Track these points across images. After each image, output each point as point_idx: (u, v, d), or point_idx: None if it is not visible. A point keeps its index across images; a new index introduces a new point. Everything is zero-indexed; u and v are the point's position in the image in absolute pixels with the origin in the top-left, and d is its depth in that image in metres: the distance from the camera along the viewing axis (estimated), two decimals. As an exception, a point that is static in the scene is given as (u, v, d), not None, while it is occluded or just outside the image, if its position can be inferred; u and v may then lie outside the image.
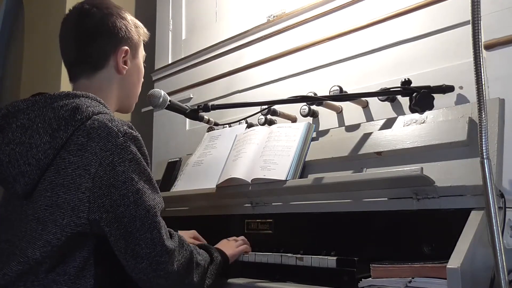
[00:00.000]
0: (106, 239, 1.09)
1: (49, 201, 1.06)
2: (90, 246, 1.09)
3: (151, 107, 1.83)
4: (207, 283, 1.23)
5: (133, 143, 1.12)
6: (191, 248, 1.19)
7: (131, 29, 1.32)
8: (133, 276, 1.10)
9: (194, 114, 1.56)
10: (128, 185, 1.08)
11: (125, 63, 1.30)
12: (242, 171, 1.53)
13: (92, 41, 1.27)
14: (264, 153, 1.53)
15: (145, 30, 1.40)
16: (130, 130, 1.12)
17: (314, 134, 1.57)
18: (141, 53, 1.38)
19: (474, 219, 1.05)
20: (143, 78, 1.42)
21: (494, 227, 0.91)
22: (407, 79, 1.39)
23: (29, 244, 1.04)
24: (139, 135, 1.15)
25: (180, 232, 1.49)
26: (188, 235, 1.50)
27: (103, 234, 1.09)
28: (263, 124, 1.75)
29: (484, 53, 1.32)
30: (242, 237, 1.47)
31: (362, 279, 1.10)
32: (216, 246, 1.38)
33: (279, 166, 1.46)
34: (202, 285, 1.21)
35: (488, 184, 0.93)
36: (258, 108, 1.67)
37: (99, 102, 1.21)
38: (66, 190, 1.06)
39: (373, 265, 1.10)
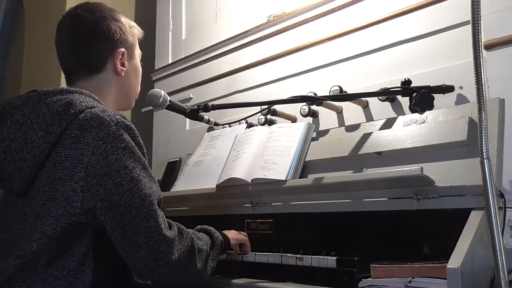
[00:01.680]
0: (104, 233, 1.09)
1: (47, 195, 1.06)
2: (89, 240, 1.09)
3: (151, 107, 1.83)
4: (212, 265, 1.24)
5: (126, 131, 1.12)
6: (191, 235, 1.19)
7: (125, 31, 1.33)
8: (133, 267, 1.09)
9: (194, 114, 1.56)
10: (122, 173, 1.08)
11: (122, 64, 1.32)
12: (242, 171, 1.53)
13: (88, 46, 1.28)
14: (264, 153, 1.53)
15: (139, 29, 1.40)
16: (123, 119, 1.13)
17: (314, 134, 1.57)
18: (137, 52, 1.39)
19: (474, 219, 1.05)
20: (143, 77, 1.42)
21: (494, 227, 0.91)
22: (407, 79, 1.39)
23: (26, 238, 1.05)
24: (132, 124, 1.15)
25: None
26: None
27: (100, 225, 1.09)
28: (263, 124, 1.75)
29: (484, 53, 1.32)
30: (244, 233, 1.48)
31: (362, 279, 1.10)
32: None
33: (279, 166, 1.46)
34: (205, 269, 1.22)
35: (488, 184, 0.93)
36: (258, 108, 1.67)
37: (93, 99, 1.21)
38: (63, 183, 1.06)
39: (373, 265, 1.10)
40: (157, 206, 1.11)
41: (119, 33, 1.30)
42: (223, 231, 1.41)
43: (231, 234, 1.41)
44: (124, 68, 1.32)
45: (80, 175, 1.06)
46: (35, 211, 1.07)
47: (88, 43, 1.28)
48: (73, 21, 1.29)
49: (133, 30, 1.36)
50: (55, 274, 1.05)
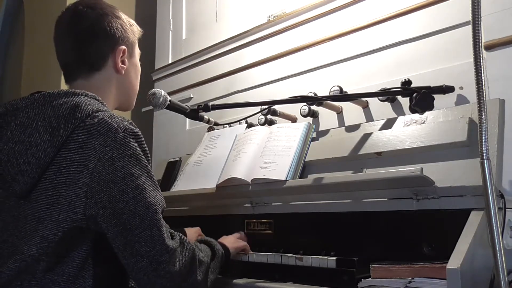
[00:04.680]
0: (105, 238, 1.08)
1: (51, 199, 1.05)
2: (89, 245, 1.08)
3: (151, 107, 1.83)
4: (211, 278, 1.22)
5: (133, 139, 1.11)
6: (193, 246, 1.17)
7: (126, 28, 1.31)
8: (133, 276, 1.08)
9: (194, 114, 1.56)
10: (127, 180, 1.06)
11: (123, 62, 1.30)
12: (242, 171, 1.53)
13: (89, 43, 1.26)
14: (264, 153, 1.53)
15: (138, 27, 1.39)
16: (130, 126, 1.12)
17: (314, 134, 1.57)
18: (137, 51, 1.38)
19: (474, 219, 1.05)
20: (143, 77, 1.42)
21: (494, 228, 0.91)
22: (407, 80, 1.39)
23: (26, 241, 1.03)
24: (140, 131, 1.14)
25: (186, 229, 1.50)
26: (194, 232, 1.51)
27: (101, 232, 1.07)
28: (263, 124, 1.75)
29: (484, 53, 1.32)
30: (241, 233, 1.48)
31: (362, 279, 1.10)
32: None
33: (279, 166, 1.46)
34: (206, 281, 1.20)
35: (488, 184, 0.93)
36: (258, 108, 1.67)
37: (98, 101, 1.20)
38: (67, 188, 1.05)
39: (373, 265, 1.10)
40: (161, 215, 1.10)
41: (120, 30, 1.29)
42: (222, 240, 1.39)
43: (230, 242, 1.38)
44: (125, 66, 1.31)
45: (85, 180, 1.04)
46: (37, 214, 1.05)
47: (89, 40, 1.26)
48: (74, 17, 1.27)
49: (133, 28, 1.35)
50: (54, 279, 1.04)
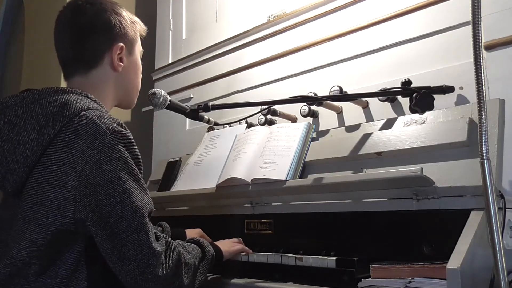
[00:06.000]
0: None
1: (35, 199, 1.04)
2: (81, 247, 1.07)
3: (151, 107, 1.84)
4: (200, 279, 1.21)
5: (121, 141, 1.09)
6: (179, 248, 1.16)
7: (126, 25, 1.28)
8: (121, 279, 1.07)
9: (194, 114, 1.56)
10: (114, 184, 1.05)
11: (120, 60, 1.27)
12: (242, 171, 1.53)
13: (86, 39, 1.23)
14: (264, 153, 1.53)
15: (142, 25, 1.36)
16: (119, 128, 1.09)
17: (314, 134, 1.57)
18: (138, 48, 1.35)
19: (474, 219, 1.05)
20: (143, 76, 1.40)
21: (494, 228, 0.91)
22: (407, 80, 1.39)
23: (15, 244, 1.02)
24: (129, 133, 1.12)
25: (186, 231, 1.50)
26: (195, 234, 1.50)
27: (90, 235, 1.06)
28: (263, 124, 1.75)
29: (484, 53, 1.32)
30: (239, 239, 1.47)
31: (362, 279, 1.10)
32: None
33: (279, 166, 1.46)
34: (193, 283, 1.19)
35: (488, 184, 0.93)
36: (258, 108, 1.67)
37: (90, 98, 1.17)
38: (51, 188, 1.03)
39: (372, 265, 1.10)
40: (147, 219, 1.09)
41: (119, 27, 1.26)
42: (218, 242, 1.38)
43: (226, 246, 1.37)
44: (122, 64, 1.27)
45: (73, 183, 1.03)
46: (23, 213, 1.04)
47: (86, 36, 1.23)
48: (73, 12, 1.25)
49: (134, 26, 1.32)
50: (48, 282, 1.03)
